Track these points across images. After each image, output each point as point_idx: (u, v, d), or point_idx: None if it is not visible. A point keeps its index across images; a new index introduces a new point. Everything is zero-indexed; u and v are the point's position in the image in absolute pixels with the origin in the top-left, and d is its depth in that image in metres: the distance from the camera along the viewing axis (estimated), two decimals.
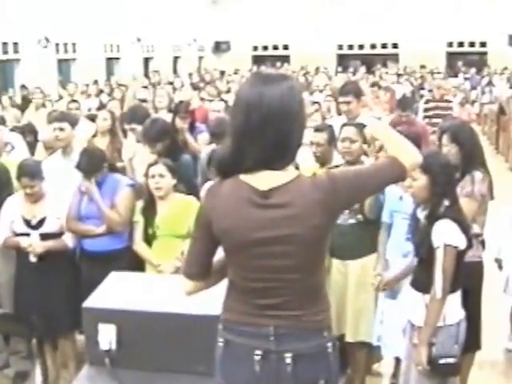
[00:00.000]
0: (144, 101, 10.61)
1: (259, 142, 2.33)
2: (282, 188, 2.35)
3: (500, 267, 5.18)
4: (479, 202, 4.28)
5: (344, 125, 4.89)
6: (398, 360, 4.53)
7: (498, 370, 5.22)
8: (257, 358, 2.42)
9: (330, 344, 2.47)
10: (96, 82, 16.51)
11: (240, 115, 2.37)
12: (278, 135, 2.33)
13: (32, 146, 6.87)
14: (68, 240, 4.81)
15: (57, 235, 4.79)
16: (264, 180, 2.36)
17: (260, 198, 2.35)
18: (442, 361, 3.54)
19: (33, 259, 4.70)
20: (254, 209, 2.36)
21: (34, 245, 4.69)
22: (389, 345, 4.44)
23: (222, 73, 23.00)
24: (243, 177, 2.38)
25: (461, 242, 3.56)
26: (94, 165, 4.76)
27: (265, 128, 2.32)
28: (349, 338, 4.58)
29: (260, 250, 2.37)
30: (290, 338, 2.41)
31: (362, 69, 23.52)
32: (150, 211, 4.72)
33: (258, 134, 2.33)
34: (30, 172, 4.70)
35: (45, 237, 4.74)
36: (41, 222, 4.75)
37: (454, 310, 3.61)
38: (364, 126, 4.73)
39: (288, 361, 2.40)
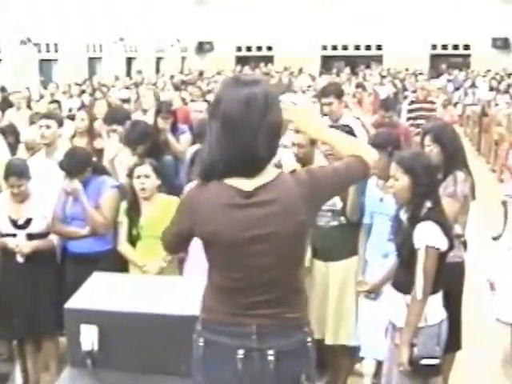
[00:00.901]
0: (126, 101, 10.58)
1: (223, 151, 2.37)
2: (266, 186, 2.38)
3: (492, 289, 5.03)
4: (461, 203, 4.29)
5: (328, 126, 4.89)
6: (379, 360, 4.53)
7: (479, 368, 5.25)
8: (239, 356, 2.45)
9: (309, 338, 2.53)
10: (81, 83, 16.44)
11: (208, 122, 2.44)
12: (238, 146, 2.35)
13: (13, 147, 6.82)
14: (54, 240, 4.79)
15: (43, 235, 4.77)
16: (249, 180, 2.38)
17: (244, 199, 2.38)
18: (423, 361, 3.54)
19: (20, 259, 4.67)
20: (239, 210, 2.38)
21: (21, 245, 4.67)
22: (368, 346, 4.45)
23: (201, 73, 22.95)
24: (227, 180, 2.40)
25: (442, 243, 3.56)
26: (77, 165, 4.73)
27: (224, 137, 2.36)
28: (329, 341, 4.57)
29: (247, 249, 2.40)
30: (273, 335, 2.45)
31: (347, 70, 23.59)
32: (134, 212, 4.72)
33: (221, 143, 2.37)
34: (18, 171, 4.67)
35: (31, 237, 4.72)
36: (27, 222, 4.73)
37: (435, 310, 3.62)
38: (349, 127, 4.77)
39: (271, 358, 2.44)
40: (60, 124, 5.65)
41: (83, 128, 6.38)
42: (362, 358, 4.83)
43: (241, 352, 2.44)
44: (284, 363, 2.45)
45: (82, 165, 4.75)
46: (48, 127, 5.51)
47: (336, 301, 4.55)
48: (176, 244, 2.74)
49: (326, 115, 5.92)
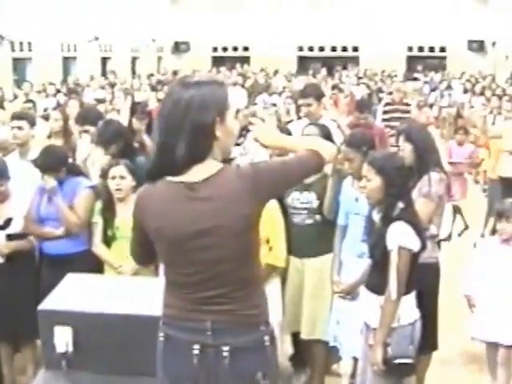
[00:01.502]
0: (101, 101, 10.53)
1: (155, 151, 2.49)
2: (207, 181, 2.41)
3: (470, 306, 4.78)
4: (436, 203, 4.30)
5: (307, 125, 4.92)
6: (356, 360, 4.54)
7: (455, 367, 5.28)
8: (195, 352, 2.48)
9: (267, 337, 2.54)
10: (55, 83, 16.34)
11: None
12: (162, 145, 2.45)
13: None
14: (34, 241, 4.77)
15: (23, 236, 4.74)
16: (188, 176, 2.42)
17: (188, 191, 2.42)
18: (397, 361, 3.57)
19: (0, 260, 4.63)
20: (184, 204, 2.43)
21: (1, 245, 4.63)
22: (346, 345, 4.46)
23: (175, 73, 22.91)
24: (169, 178, 2.45)
25: (415, 244, 3.58)
26: (52, 162, 4.70)
27: (158, 137, 2.48)
28: (304, 336, 4.62)
29: (193, 243, 2.43)
30: (227, 332, 2.48)
31: (323, 71, 23.66)
32: (109, 213, 4.70)
33: (155, 144, 2.50)
34: None
35: (10, 237, 4.68)
36: (7, 223, 4.69)
37: (408, 311, 3.64)
38: (327, 128, 4.78)
39: (225, 354, 2.47)
40: (32, 124, 5.60)
41: (58, 128, 6.33)
42: (340, 358, 4.84)
43: (196, 347, 2.47)
44: (239, 360, 2.47)
45: (57, 162, 4.72)
46: (20, 128, 5.47)
47: (311, 296, 4.58)
48: (141, 253, 2.74)
49: (305, 116, 5.92)
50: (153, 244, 2.60)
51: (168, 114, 2.43)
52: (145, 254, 2.71)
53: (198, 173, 2.42)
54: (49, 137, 6.41)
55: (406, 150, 4.34)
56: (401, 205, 3.62)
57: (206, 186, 2.41)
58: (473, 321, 4.70)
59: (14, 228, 4.69)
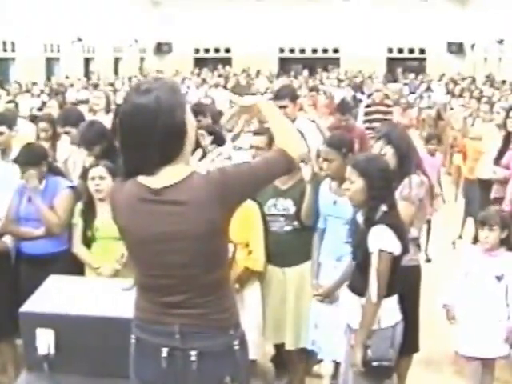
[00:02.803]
0: (84, 102, 10.48)
1: (123, 154, 2.51)
2: (175, 186, 2.41)
3: (449, 318, 4.56)
4: (417, 206, 4.30)
5: None
6: (337, 362, 4.56)
7: (436, 369, 5.32)
8: (163, 355, 2.48)
9: (236, 342, 2.54)
10: (37, 83, 16.25)
11: (117, 125, 2.54)
12: (130, 150, 2.46)
13: None
14: (8, 241, 4.74)
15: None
16: (158, 179, 2.43)
17: (153, 195, 2.42)
18: (375, 363, 3.59)
19: None
20: (147, 206, 2.43)
21: None
22: (325, 348, 4.45)
23: (159, 73, 22.88)
24: (140, 178, 2.46)
25: (396, 247, 3.59)
26: (33, 157, 4.69)
27: (122, 141, 2.49)
28: (290, 346, 4.60)
29: (157, 246, 2.44)
30: (195, 336, 2.48)
31: (305, 72, 23.69)
32: (89, 213, 4.68)
33: (121, 146, 2.51)
34: None
35: None
36: None
37: (389, 313, 3.65)
38: (300, 131, 4.79)
39: (193, 358, 2.47)
40: (12, 126, 5.56)
41: (46, 137, 6.25)
42: (321, 360, 4.86)
43: (165, 351, 2.48)
44: (207, 364, 2.48)
45: (38, 157, 4.71)
46: (0, 134, 5.45)
47: (294, 306, 4.55)
48: None
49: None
50: None
51: (133, 118, 2.41)
52: None
53: (166, 176, 2.42)
54: (37, 139, 6.36)
55: (388, 154, 4.32)
56: (384, 207, 3.62)
57: (172, 190, 2.40)
58: (456, 334, 4.55)
59: None
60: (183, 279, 2.46)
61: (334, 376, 4.80)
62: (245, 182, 2.48)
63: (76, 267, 4.63)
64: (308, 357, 4.74)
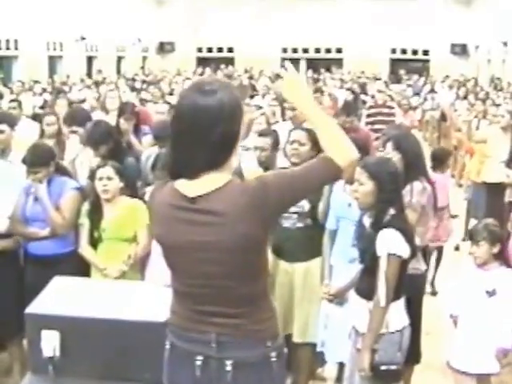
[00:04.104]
0: (83, 101, 10.47)
1: (172, 155, 2.45)
2: (210, 195, 2.36)
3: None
4: (418, 213, 4.27)
5: (293, 129, 4.91)
6: (341, 364, 4.54)
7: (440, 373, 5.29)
8: (198, 363, 2.45)
9: (274, 353, 2.49)
10: (40, 81, 16.27)
11: (171, 123, 2.47)
12: (181, 152, 2.39)
13: None
14: (19, 240, 4.74)
15: (7, 235, 4.72)
16: (195, 185, 2.38)
17: (188, 203, 2.38)
18: (383, 367, 3.58)
19: None
20: (182, 213, 2.39)
21: None
22: (332, 350, 4.45)
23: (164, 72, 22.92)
24: (178, 182, 2.42)
25: (404, 251, 3.58)
26: (41, 158, 4.67)
27: (174, 141, 2.42)
28: (296, 339, 4.59)
29: (190, 255, 2.41)
30: (232, 345, 2.44)
31: (309, 72, 23.67)
32: (96, 214, 4.67)
33: (172, 147, 2.44)
34: None
35: None
36: None
37: (397, 317, 3.65)
38: (313, 131, 4.76)
39: (228, 368, 2.43)
40: (13, 125, 5.55)
41: (52, 131, 6.26)
42: (325, 363, 4.84)
43: (199, 359, 2.45)
44: (242, 375, 2.44)
45: (46, 156, 4.70)
46: (1, 132, 5.43)
47: (302, 300, 4.57)
48: None
49: (289, 119, 5.92)
50: None
51: (194, 118, 2.34)
52: None
53: (205, 183, 2.36)
54: (41, 137, 6.36)
55: (395, 159, 4.28)
56: (392, 211, 3.62)
57: (207, 199, 2.35)
58: (450, 347, 4.37)
59: None
60: (217, 289, 2.42)
61: (338, 379, 4.79)
62: (285, 191, 2.35)
63: (82, 268, 4.62)
64: (314, 357, 4.73)
